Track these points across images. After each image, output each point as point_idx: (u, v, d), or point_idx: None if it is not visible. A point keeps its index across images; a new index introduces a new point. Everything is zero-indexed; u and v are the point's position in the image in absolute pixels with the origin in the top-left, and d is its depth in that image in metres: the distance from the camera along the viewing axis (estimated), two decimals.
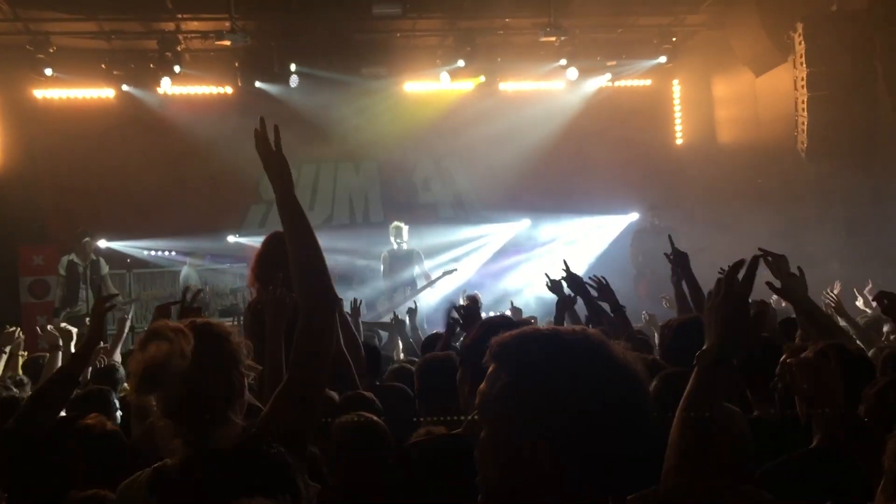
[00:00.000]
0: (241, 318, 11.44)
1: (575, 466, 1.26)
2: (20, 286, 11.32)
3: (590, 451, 1.26)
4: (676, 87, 14.31)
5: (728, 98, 13.92)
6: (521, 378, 1.30)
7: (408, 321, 7.84)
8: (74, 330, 5.61)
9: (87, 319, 9.81)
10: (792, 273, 3.92)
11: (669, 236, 5.19)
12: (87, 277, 10.50)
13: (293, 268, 2.42)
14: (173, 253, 12.21)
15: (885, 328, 5.67)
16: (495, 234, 13.38)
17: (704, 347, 1.87)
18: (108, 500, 2.59)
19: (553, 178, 13.06)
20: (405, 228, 11.28)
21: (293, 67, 12.01)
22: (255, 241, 12.58)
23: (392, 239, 11.22)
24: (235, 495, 1.93)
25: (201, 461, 2.11)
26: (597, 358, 1.31)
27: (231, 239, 12.54)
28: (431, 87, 12.86)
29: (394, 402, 3.86)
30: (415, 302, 9.20)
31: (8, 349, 5.76)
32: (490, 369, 1.35)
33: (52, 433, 3.14)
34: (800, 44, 10.81)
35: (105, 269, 10.87)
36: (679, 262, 5.02)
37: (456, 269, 11.50)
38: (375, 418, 3.18)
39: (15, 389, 4.80)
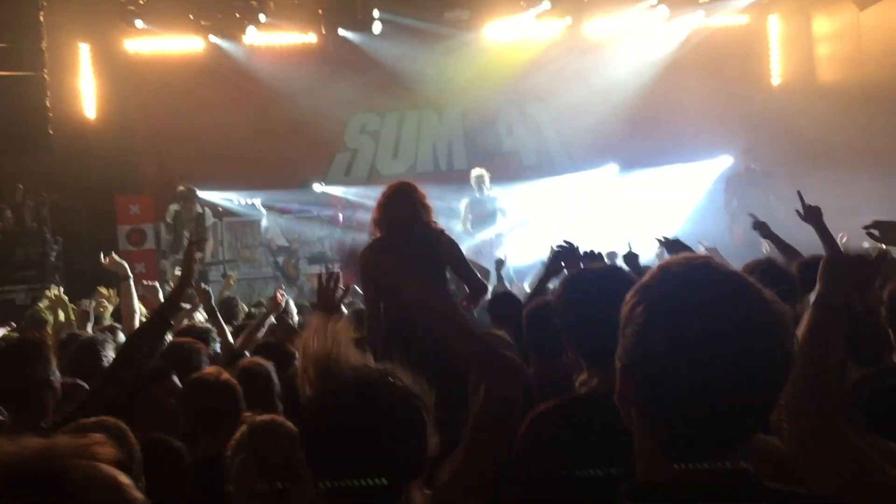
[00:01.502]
0: (328, 266, 11.68)
1: None
2: (118, 234, 11.72)
3: None
4: (774, 24, 13.60)
5: (829, 34, 13.18)
6: None
7: (494, 273, 7.79)
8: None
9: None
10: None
11: (799, 192, 5.00)
12: (193, 228, 10.82)
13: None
14: (260, 201, 12.43)
15: None
16: (583, 182, 12.99)
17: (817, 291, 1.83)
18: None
19: (643, 123, 12.66)
20: (487, 176, 11.16)
21: (376, 14, 11.92)
22: (340, 190, 12.77)
23: (474, 186, 11.12)
24: None
25: None
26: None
27: (317, 187, 12.70)
28: (515, 30, 12.57)
29: None
30: (504, 255, 9.15)
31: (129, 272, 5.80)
32: None
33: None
34: None
35: (211, 220, 11.20)
36: (811, 217, 4.86)
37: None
38: None
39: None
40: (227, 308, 5.90)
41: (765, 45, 13.65)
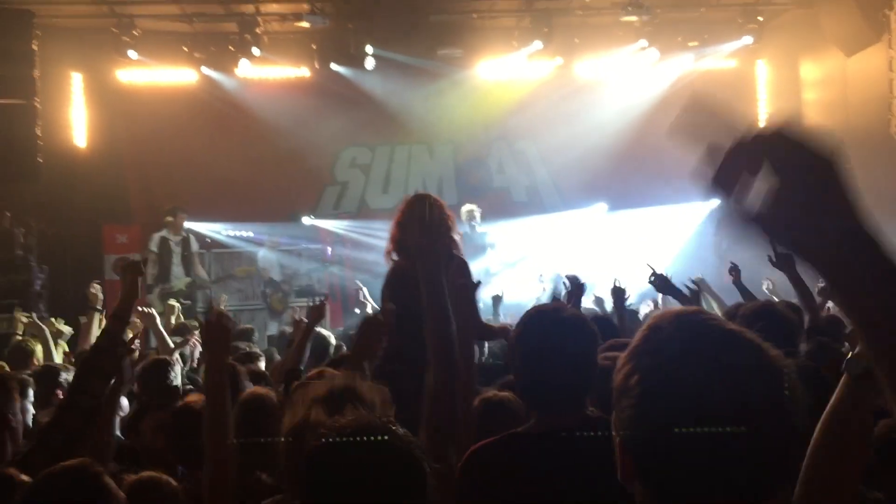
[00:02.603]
0: (314, 299, 11.62)
1: None
2: (105, 264, 11.65)
3: None
4: (762, 69, 13.80)
5: (816, 80, 13.36)
6: None
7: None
8: (154, 311, 5.80)
9: (181, 299, 10.18)
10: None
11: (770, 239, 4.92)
12: (180, 254, 10.72)
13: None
14: (250, 234, 12.40)
15: None
16: (573, 220, 13.06)
17: (856, 352, 1.64)
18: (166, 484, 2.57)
19: (631, 163, 12.76)
20: (478, 212, 11.18)
21: (369, 50, 12.03)
22: (330, 223, 12.76)
23: (465, 221, 11.13)
24: None
25: None
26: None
27: (306, 220, 12.68)
28: (507, 69, 12.70)
29: None
30: (502, 291, 9.08)
31: (99, 305, 5.91)
32: None
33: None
34: None
35: (195, 245, 11.12)
36: (783, 264, 4.82)
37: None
38: None
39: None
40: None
41: (753, 89, 13.82)
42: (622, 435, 1.18)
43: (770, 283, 7.92)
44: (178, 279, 10.66)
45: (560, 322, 2.45)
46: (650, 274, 5.04)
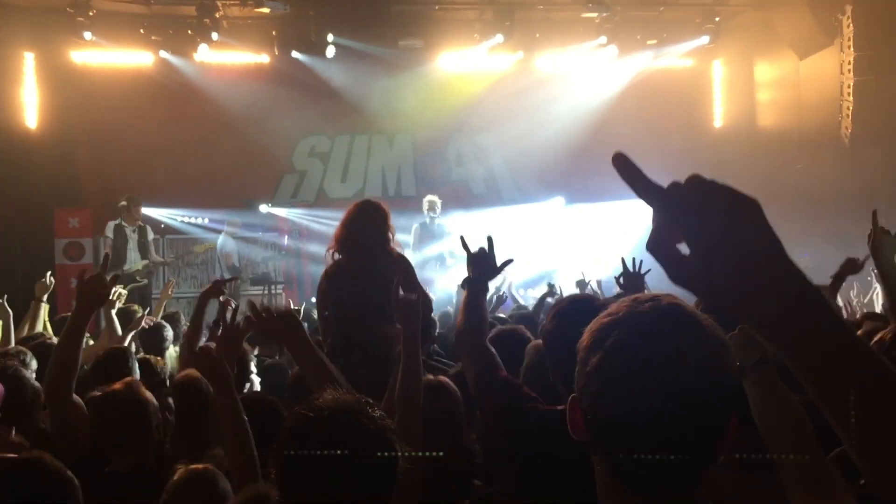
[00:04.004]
0: (273, 287, 11.55)
1: None
2: (55, 248, 11.44)
3: None
4: (718, 69, 14.04)
5: (770, 81, 13.63)
6: None
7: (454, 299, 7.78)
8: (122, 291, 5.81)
9: (137, 278, 10.07)
10: (887, 230, 3.76)
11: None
12: (136, 240, 10.60)
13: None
14: (206, 220, 12.26)
15: None
16: (530, 213, 13.19)
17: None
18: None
19: (588, 158, 12.86)
20: (439, 203, 11.20)
21: (330, 38, 11.95)
22: (287, 212, 12.67)
23: (425, 212, 11.15)
24: None
25: None
26: None
27: (263, 208, 12.57)
28: (468, 62, 12.73)
29: None
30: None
31: (45, 298, 5.87)
32: None
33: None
34: (848, 27, 10.56)
35: (151, 235, 10.98)
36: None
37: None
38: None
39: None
40: (156, 335, 5.72)
41: (709, 88, 14.07)
42: (580, 397, 1.28)
43: None
44: (134, 263, 10.53)
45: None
46: (621, 274, 5.03)
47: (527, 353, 3.46)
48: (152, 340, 5.68)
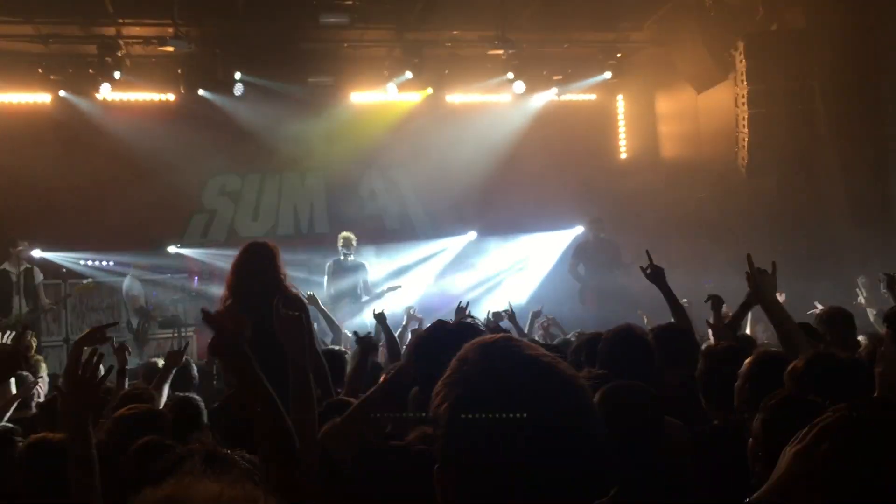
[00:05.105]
0: (183, 330, 11.22)
1: None
2: None
3: None
4: (621, 103, 14.50)
5: (671, 114, 14.16)
6: None
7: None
8: None
9: (21, 327, 9.61)
10: (763, 269, 4.06)
11: (647, 251, 5.28)
12: (21, 286, 10.17)
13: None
14: (111, 263, 11.86)
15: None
16: (443, 248, 13.29)
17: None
18: None
19: (499, 192, 13.09)
20: (355, 239, 11.14)
21: (237, 76, 11.84)
22: (196, 252, 12.38)
23: (340, 249, 11.07)
24: None
25: None
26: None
27: (172, 249, 12.24)
28: (378, 98, 12.80)
29: None
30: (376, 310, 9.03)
31: None
32: None
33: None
34: (741, 62, 11.07)
35: (39, 277, 10.57)
36: (655, 277, 5.13)
37: (400, 287, 11.33)
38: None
39: None
40: None
41: (613, 121, 14.51)
42: (438, 460, 1.26)
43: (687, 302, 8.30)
44: (18, 311, 10.10)
45: None
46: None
47: None
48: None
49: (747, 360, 3.28)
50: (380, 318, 6.42)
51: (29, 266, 10.42)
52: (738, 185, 11.76)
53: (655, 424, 2.94)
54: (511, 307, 7.76)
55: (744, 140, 11.16)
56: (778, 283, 4.18)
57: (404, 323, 8.54)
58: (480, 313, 9.18)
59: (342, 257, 10.98)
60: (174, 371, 5.15)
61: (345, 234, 11.05)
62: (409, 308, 9.38)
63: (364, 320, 9.70)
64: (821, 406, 2.28)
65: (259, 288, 4.36)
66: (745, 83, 11.02)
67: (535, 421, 1.19)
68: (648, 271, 5.18)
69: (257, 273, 4.42)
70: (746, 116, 11.05)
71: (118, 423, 3.39)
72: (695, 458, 3.07)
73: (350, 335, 8.45)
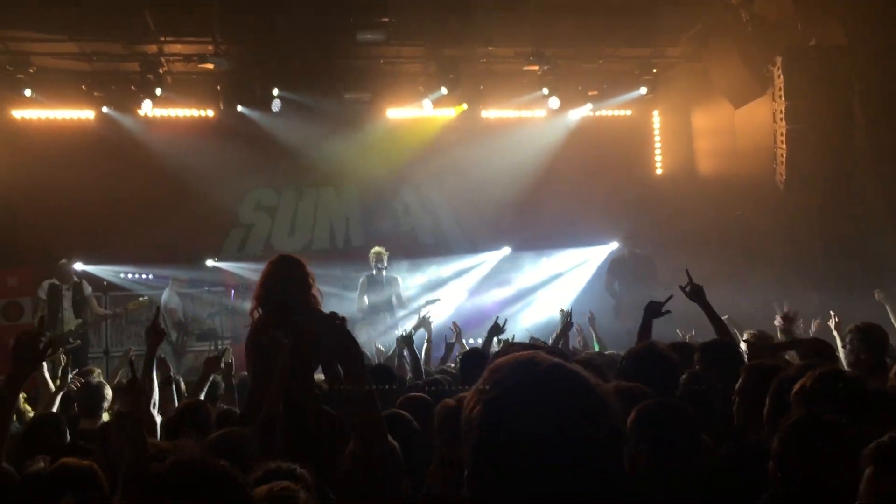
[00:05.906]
0: (219, 343, 11.36)
1: None
2: None
3: None
4: (656, 118, 14.44)
5: (707, 130, 14.05)
6: None
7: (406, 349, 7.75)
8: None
9: (70, 340, 9.85)
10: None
11: (686, 270, 5.29)
12: (71, 298, 10.39)
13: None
14: (150, 276, 12.06)
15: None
16: (477, 263, 13.31)
17: None
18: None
19: (534, 207, 13.09)
20: (386, 255, 11.21)
21: (275, 92, 12.00)
22: (234, 266, 12.53)
23: (373, 264, 11.14)
24: None
25: None
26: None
27: (210, 263, 12.42)
28: (414, 114, 12.89)
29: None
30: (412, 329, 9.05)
31: None
32: None
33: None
34: (779, 77, 10.97)
35: (88, 289, 10.82)
36: (695, 295, 5.15)
37: (439, 299, 11.35)
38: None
39: None
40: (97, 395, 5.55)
41: (649, 137, 14.43)
42: (469, 467, 1.34)
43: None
44: (69, 322, 10.32)
45: None
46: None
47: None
48: (90, 401, 5.51)
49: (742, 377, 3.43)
50: (407, 339, 6.66)
51: (77, 280, 10.66)
52: (775, 202, 11.63)
53: (693, 444, 2.92)
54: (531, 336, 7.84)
55: (781, 156, 11.04)
56: (826, 303, 4.28)
57: (453, 339, 8.53)
58: (516, 329, 9.24)
59: (374, 272, 11.04)
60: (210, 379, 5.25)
61: (376, 248, 11.13)
62: (453, 323, 9.38)
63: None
64: (838, 425, 2.27)
65: (286, 301, 4.40)
66: (782, 98, 10.92)
67: (559, 421, 1.28)
68: (688, 289, 5.21)
69: (286, 285, 4.45)
70: (784, 132, 10.94)
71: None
72: (729, 475, 3.04)
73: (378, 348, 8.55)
